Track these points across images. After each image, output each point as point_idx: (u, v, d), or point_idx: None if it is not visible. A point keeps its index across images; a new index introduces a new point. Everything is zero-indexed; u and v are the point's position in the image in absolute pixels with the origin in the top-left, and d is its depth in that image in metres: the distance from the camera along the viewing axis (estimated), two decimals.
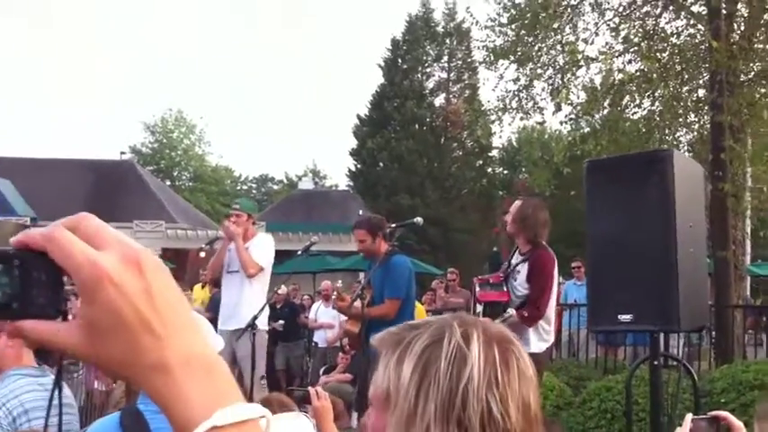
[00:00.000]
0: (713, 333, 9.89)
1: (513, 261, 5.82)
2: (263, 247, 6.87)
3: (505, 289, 5.76)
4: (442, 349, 1.23)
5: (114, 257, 0.70)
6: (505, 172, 43.31)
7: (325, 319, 12.37)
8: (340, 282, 12.96)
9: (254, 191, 61.54)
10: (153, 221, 23.19)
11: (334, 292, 7.19)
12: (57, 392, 0.88)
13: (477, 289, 5.94)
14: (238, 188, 59.99)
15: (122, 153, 38.56)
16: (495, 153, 41.13)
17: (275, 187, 59.86)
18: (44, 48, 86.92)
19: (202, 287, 13.92)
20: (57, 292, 0.74)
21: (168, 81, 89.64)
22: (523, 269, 5.67)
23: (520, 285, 5.66)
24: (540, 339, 5.60)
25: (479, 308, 5.84)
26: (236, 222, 6.80)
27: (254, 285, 6.75)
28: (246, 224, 6.85)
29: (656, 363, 3.76)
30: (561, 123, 13.29)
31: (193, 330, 0.73)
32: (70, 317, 0.74)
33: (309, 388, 3.41)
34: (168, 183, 44.56)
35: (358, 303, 6.20)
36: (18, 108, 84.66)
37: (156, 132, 50.60)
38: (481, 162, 39.35)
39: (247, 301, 6.64)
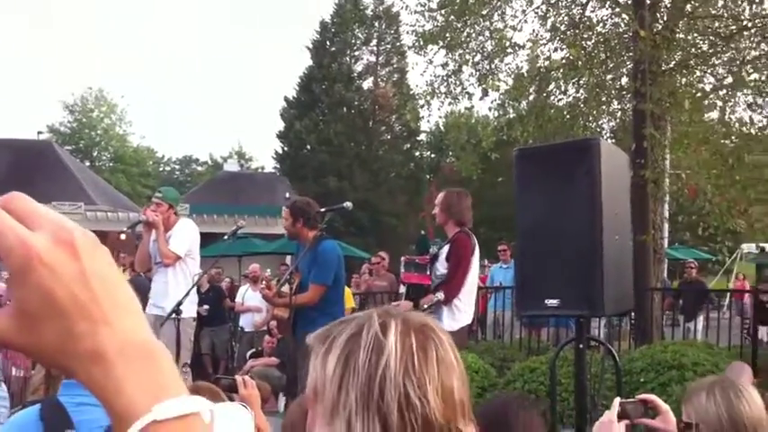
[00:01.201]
0: (633, 315, 10.19)
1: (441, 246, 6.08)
2: (180, 235, 6.80)
3: (428, 272, 5.99)
4: (362, 340, 1.26)
5: (46, 238, 0.66)
6: (433, 156, 43.62)
7: (253, 302, 12.26)
8: (269, 270, 12.86)
9: (177, 172, 60.49)
10: (72, 203, 22.52)
11: (263, 281, 7.16)
12: None
13: (402, 270, 6.12)
14: (161, 169, 58.89)
15: (39, 132, 37.39)
16: (422, 137, 41.37)
17: (199, 169, 58.97)
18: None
19: (123, 271, 13.63)
20: None
21: (89, 61, 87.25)
22: (445, 251, 5.95)
23: (440, 265, 5.91)
24: (452, 318, 5.75)
25: (402, 288, 6.04)
26: (155, 212, 6.72)
27: (177, 274, 6.71)
28: (168, 213, 6.78)
29: (581, 346, 3.85)
30: (489, 109, 13.46)
31: (133, 315, 0.69)
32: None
33: (236, 376, 3.35)
34: (88, 163, 43.41)
35: (286, 288, 6.18)
36: None
37: (75, 112, 49.23)
38: (409, 146, 39.56)
39: (172, 289, 6.60)
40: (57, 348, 0.66)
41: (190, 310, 6.64)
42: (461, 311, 5.85)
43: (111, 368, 0.66)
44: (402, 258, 6.33)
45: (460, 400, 1.27)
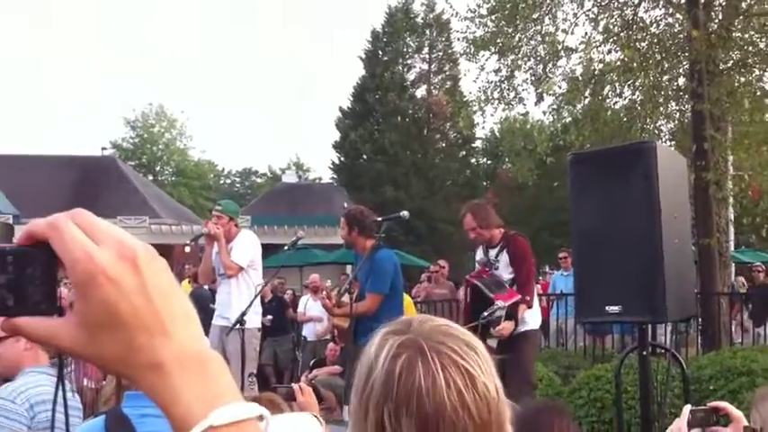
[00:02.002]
0: (700, 320, 9.99)
1: (492, 254, 6.18)
2: (242, 246, 6.92)
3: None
4: (366, 355, 1.28)
5: (110, 253, 0.70)
6: (489, 162, 43.35)
7: (314, 312, 12.39)
8: (329, 281, 12.97)
9: (237, 185, 61.34)
10: (137, 217, 23.09)
11: (323, 291, 7.24)
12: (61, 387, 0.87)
13: (489, 294, 5.93)
14: (222, 182, 59.79)
15: (103, 149, 38.31)
16: (478, 144, 41.14)
17: (259, 180, 59.69)
18: (16, 40, 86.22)
19: (189, 282, 13.89)
20: (52, 288, 0.73)
21: (148, 76, 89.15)
22: (503, 257, 6.05)
23: (504, 272, 6.01)
24: (533, 319, 6.03)
25: (500, 312, 5.81)
26: (216, 224, 6.86)
27: (240, 285, 6.82)
28: (228, 225, 6.91)
29: (644, 353, 3.82)
30: (544, 114, 13.37)
31: (190, 326, 0.72)
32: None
33: (293, 384, 3.42)
34: (150, 178, 44.31)
35: (347, 298, 6.25)
36: None
37: (136, 127, 50.28)
38: (464, 153, 39.35)
39: (236, 300, 6.72)
40: (118, 358, 0.71)
41: (254, 320, 6.74)
42: (536, 310, 6.13)
43: (168, 377, 0.69)
44: (474, 281, 6.15)
45: None
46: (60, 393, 0.92)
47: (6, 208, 21.70)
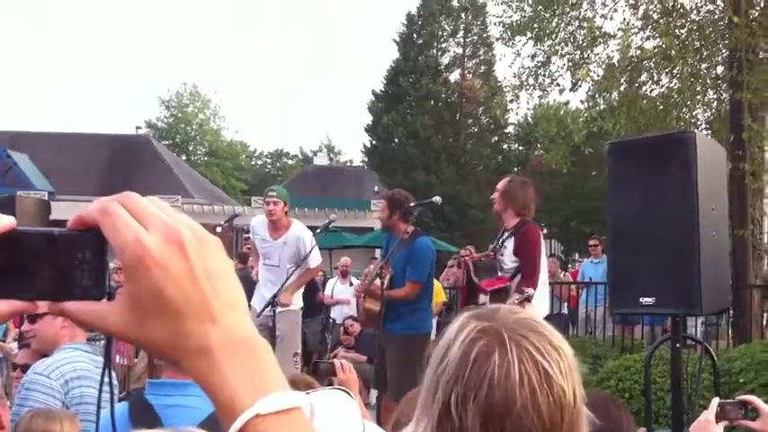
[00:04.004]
0: (731, 312, 9.90)
1: (502, 238, 5.89)
2: (311, 245, 6.88)
3: (499, 273, 5.74)
4: (446, 335, 1.25)
5: (157, 237, 0.69)
6: (521, 148, 43.05)
7: (342, 295, 12.43)
8: (369, 267, 12.96)
9: (269, 166, 61.56)
10: (170, 197, 23.29)
11: (365, 278, 7.24)
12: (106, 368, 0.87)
13: (475, 279, 5.73)
14: (253, 163, 60.03)
15: (138, 128, 38.62)
16: (510, 129, 40.86)
17: (290, 162, 59.88)
18: (60, 22, 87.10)
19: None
20: (101, 273, 0.73)
21: (183, 56, 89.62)
22: (510, 243, 5.74)
23: (507, 259, 5.71)
24: (537, 309, 5.51)
25: (484, 297, 5.57)
26: (273, 210, 6.84)
27: (282, 278, 6.86)
28: (284, 210, 6.94)
29: (677, 345, 3.79)
30: (581, 102, 13.27)
31: (238, 311, 0.72)
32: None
33: (335, 360, 3.42)
34: (184, 157, 44.60)
35: (378, 282, 6.24)
36: (34, 82, 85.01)
37: (171, 107, 50.56)
38: (496, 138, 39.13)
39: (271, 290, 6.77)
40: (165, 342, 0.70)
41: (298, 301, 6.84)
42: (534, 308, 5.54)
43: (216, 363, 0.69)
44: (466, 260, 5.90)
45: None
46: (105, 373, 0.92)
47: (42, 185, 22.01)
